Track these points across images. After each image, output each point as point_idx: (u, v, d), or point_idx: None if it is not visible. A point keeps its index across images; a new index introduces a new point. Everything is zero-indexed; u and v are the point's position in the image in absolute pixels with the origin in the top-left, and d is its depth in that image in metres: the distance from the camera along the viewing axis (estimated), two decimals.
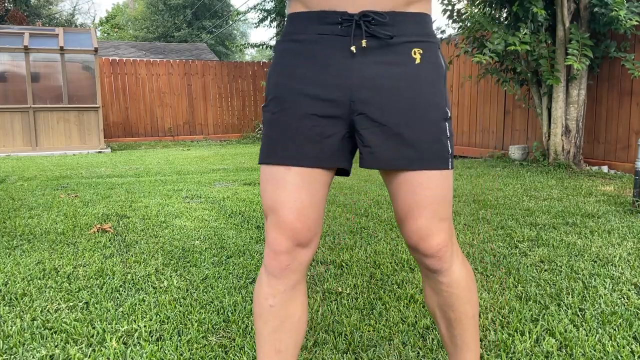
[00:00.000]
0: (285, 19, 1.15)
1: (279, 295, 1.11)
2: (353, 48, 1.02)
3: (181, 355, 1.63)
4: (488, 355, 1.59)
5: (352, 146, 1.12)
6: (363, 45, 1.03)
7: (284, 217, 1.07)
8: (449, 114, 1.11)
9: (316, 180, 1.09)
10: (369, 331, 1.78)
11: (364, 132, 1.06)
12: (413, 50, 1.06)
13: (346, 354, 1.62)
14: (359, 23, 1.03)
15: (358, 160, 1.12)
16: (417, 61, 1.06)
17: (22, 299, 2.10)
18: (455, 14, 6.75)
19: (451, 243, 1.14)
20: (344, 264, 2.51)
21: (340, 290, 2.16)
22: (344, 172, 1.18)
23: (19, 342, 1.72)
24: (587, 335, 1.71)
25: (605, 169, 5.95)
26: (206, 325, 1.83)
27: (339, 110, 1.06)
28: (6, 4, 22.56)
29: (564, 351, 1.62)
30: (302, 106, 1.06)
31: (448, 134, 1.09)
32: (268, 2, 11.38)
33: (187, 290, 2.18)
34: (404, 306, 1.98)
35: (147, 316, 1.91)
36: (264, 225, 3.33)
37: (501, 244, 2.82)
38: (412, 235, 1.11)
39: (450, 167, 1.10)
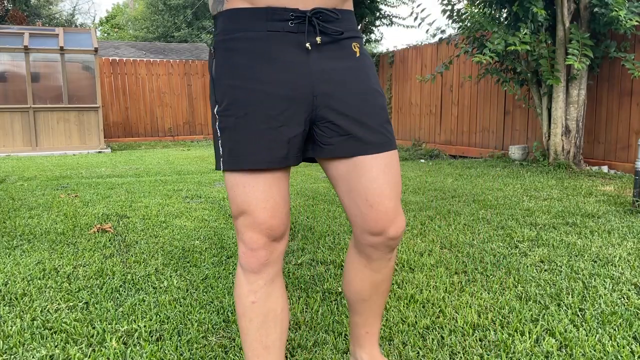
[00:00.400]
0: (217, 15, 1.10)
1: (260, 291, 1.14)
2: (308, 45, 1.04)
3: (181, 355, 1.63)
4: (488, 355, 1.59)
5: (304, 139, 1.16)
6: (318, 41, 1.05)
7: (259, 218, 1.09)
8: (386, 100, 1.20)
9: (283, 177, 1.12)
10: None
11: (329, 124, 1.10)
12: (353, 45, 1.12)
13: (346, 354, 1.62)
14: (311, 20, 1.04)
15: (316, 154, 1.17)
16: (357, 54, 1.13)
17: (22, 299, 2.10)
18: (455, 14, 6.75)
19: None
20: (344, 264, 2.51)
21: (340, 290, 2.16)
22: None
23: (19, 342, 1.72)
24: (587, 335, 1.71)
25: (605, 169, 5.95)
26: (206, 325, 1.83)
27: (303, 107, 1.07)
28: (6, 4, 22.56)
29: (564, 351, 1.62)
30: (267, 108, 1.05)
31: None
32: None
33: (187, 290, 2.18)
34: (404, 306, 1.98)
35: (147, 316, 1.91)
36: None
37: (501, 244, 2.82)
38: (382, 218, 1.14)
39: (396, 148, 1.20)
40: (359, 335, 1.34)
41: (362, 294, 1.28)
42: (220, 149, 1.10)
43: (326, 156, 1.13)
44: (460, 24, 6.80)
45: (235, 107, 1.06)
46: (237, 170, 1.08)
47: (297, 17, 1.03)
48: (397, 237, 1.17)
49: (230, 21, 1.06)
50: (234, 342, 1.70)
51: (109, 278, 2.35)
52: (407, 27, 11.90)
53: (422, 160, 7.63)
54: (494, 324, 1.82)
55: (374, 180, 1.12)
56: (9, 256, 2.71)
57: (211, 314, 1.93)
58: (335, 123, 1.09)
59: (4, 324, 1.87)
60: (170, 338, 1.74)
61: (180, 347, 1.67)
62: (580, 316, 1.87)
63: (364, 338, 1.34)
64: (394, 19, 11.56)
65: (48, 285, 2.25)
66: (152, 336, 1.76)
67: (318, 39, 1.04)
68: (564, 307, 1.95)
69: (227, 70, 1.07)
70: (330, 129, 1.10)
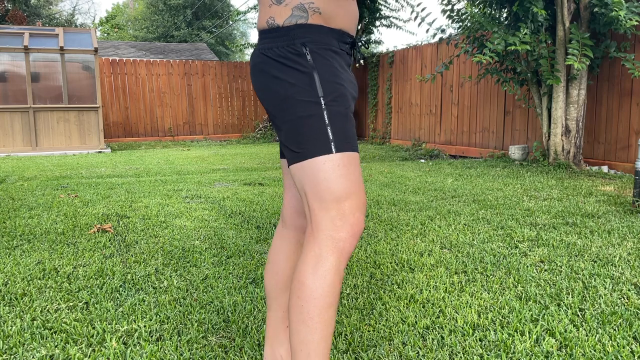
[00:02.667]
0: (296, 26, 1.22)
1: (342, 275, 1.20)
2: (357, 64, 1.34)
3: (181, 355, 1.63)
4: (488, 355, 1.59)
5: None
6: (361, 62, 1.31)
7: (364, 198, 1.19)
8: None
9: None
10: (369, 331, 1.78)
11: None
12: None
13: (346, 354, 1.62)
14: (356, 45, 1.31)
15: None
16: None
17: (22, 299, 2.10)
18: (455, 14, 6.75)
19: None
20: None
21: (340, 290, 2.16)
22: None
23: (19, 342, 1.72)
24: (587, 335, 1.71)
25: (605, 169, 5.95)
26: (206, 325, 1.83)
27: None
28: (6, 4, 22.55)
29: (564, 351, 1.62)
30: (352, 106, 1.28)
31: None
32: None
33: (187, 290, 2.18)
34: (404, 306, 1.98)
35: (147, 316, 1.91)
36: (263, 225, 3.33)
37: (501, 244, 2.82)
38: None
39: None
40: (280, 330, 1.41)
41: (287, 282, 1.37)
42: (330, 134, 1.17)
43: None
44: (460, 24, 6.80)
45: (343, 100, 1.21)
46: (353, 151, 1.19)
47: (351, 42, 1.29)
48: None
49: (317, 34, 1.22)
50: (234, 342, 1.70)
51: (109, 278, 2.35)
52: (406, 29, 11.89)
53: (422, 160, 7.63)
54: (494, 324, 1.82)
55: None
56: (9, 256, 2.71)
57: (211, 314, 1.93)
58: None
59: (4, 324, 1.87)
60: (170, 338, 1.74)
61: (180, 347, 1.67)
62: (580, 316, 1.87)
63: (284, 333, 1.41)
64: (393, 21, 11.56)
65: (48, 285, 2.25)
66: (152, 336, 1.76)
67: (362, 61, 1.32)
68: (564, 307, 1.95)
69: (331, 71, 1.21)
70: None
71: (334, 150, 1.16)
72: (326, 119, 1.17)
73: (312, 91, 1.17)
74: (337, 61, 1.23)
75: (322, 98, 1.18)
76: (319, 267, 1.14)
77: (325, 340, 1.16)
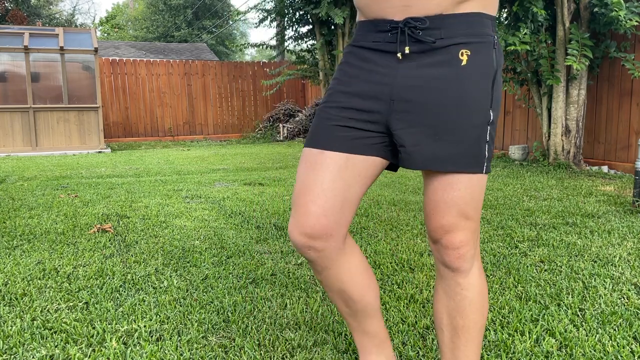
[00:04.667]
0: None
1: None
2: (399, 54, 1.07)
3: (181, 355, 1.63)
4: (488, 355, 1.59)
5: (391, 144, 1.16)
6: (406, 51, 1.07)
7: (303, 203, 1.19)
8: (492, 117, 1.10)
9: (348, 166, 1.15)
10: None
11: (400, 132, 1.09)
12: (460, 52, 1.06)
13: (346, 353, 1.62)
14: (403, 30, 1.06)
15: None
16: (464, 62, 1.07)
17: (22, 299, 2.10)
18: None
19: (474, 245, 1.16)
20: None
21: None
22: (392, 167, 1.24)
23: (19, 342, 1.72)
24: (587, 335, 1.71)
25: (605, 169, 5.94)
26: (206, 325, 1.83)
27: (377, 107, 1.10)
28: (6, 4, 22.55)
29: (564, 351, 1.62)
30: (345, 100, 1.14)
31: (487, 138, 1.10)
32: (268, 2, 11.39)
33: (187, 290, 2.18)
34: (404, 306, 1.98)
35: (147, 316, 1.91)
36: (263, 225, 3.33)
37: (501, 244, 2.82)
38: (437, 230, 1.15)
39: (483, 172, 1.11)
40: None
41: (438, 320, 1.23)
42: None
43: (401, 165, 1.14)
44: None
45: (327, 99, 1.18)
46: (306, 146, 1.19)
47: (393, 27, 1.07)
48: (453, 248, 1.13)
49: (356, 31, 1.18)
50: (234, 342, 1.70)
51: (109, 278, 2.35)
52: None
53: None
54: (494, 324, 1.82)
55: (435, 194, 1.13)
56: (9, 256, 2.71)
57: (211, 314, 1.93)
58: (407, 132, 1.09)
59: (4, 324, 1.87)
60: (170, 338, 1.74)
61: (180, 347, 1.67)
62: (580, 316, 1.87)
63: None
64: None
65: (48, 285, 2.25)
66: (152, 336, 1.76)
67: (407, 49, 1.06)
68: (564, 307, 1.95)
69: (337, 71, 1.20)
70: (402, 137, 1.09)
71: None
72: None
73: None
74: (356, 57, 1.14)
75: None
76: None
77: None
